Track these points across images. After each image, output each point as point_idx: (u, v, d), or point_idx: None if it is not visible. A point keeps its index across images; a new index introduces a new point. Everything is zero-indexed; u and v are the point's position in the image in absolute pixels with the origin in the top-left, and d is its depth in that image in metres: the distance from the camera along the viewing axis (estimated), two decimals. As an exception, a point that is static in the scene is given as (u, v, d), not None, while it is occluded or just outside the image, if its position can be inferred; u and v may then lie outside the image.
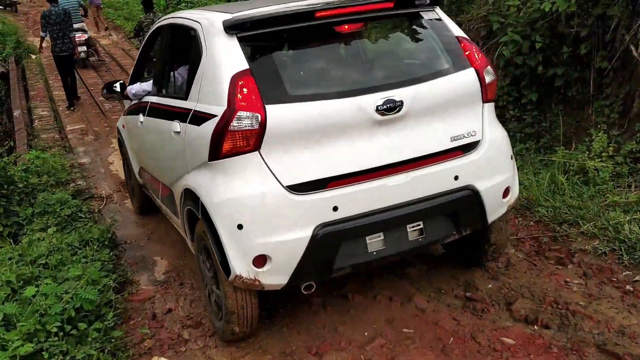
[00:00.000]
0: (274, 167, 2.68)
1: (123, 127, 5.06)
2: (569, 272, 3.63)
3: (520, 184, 4.75)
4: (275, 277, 2.74)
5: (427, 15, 3.20)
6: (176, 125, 3.21)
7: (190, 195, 3.06)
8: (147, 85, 4.17)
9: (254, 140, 2.65)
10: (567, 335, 3.00)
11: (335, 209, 2.71)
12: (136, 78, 4.62)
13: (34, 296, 3.15)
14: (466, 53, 3.08)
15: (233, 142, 2.66)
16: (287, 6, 2.96)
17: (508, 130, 5.80)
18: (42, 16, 9.21)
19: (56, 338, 2.91)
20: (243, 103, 2.63)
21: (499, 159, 3.12)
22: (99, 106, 9.57)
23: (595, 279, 3.52)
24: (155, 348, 3.21)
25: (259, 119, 2.62)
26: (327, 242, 2.71)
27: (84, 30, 11.74)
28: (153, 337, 3.29)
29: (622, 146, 4.80)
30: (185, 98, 3.18)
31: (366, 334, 3.14)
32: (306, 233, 2.68)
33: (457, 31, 3.20)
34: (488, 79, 3.07)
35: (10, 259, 3.87)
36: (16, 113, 9.23)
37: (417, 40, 3.26)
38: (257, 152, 2.67)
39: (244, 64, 2.72)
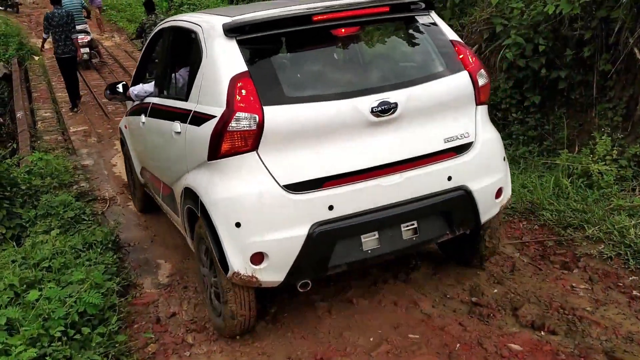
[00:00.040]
0: (271, 167, 2.75)
1: (125, 127, 5.14)
2: (575, 277, 3.61)
3: (524, 187, 4.79)
4: (272, 274, 2.81)
5: (422, 20, 3.27)
6: (177, 126, 3.28)
7: (190, 194, 3.12)
8: (149, 87, 4.24)
9: (252, 140, 2.72)
10: (574, 342, 2.98)
11: (330, 208, 2.78)
12: (138, 79, 4.69)
13: (37, 300, 3.13)
14: (460, 56, 3.16)
15: (231, 143, 2.73)
16: (285, 10, 3.02)
17: (511, 133, 5.88)
18: (45, 18, 9.29)
19: (60, 343, 2.89)
20: (241, 104, 2.70)
21: (491, 160, 3.19)
22: (102, 108, 9.56)
23: (602, 284, 3.50)
24: (159, 353, 3.19)
25: (257, 120, 2.69)
26: (322, 240, 2.78)
27: (86, 32, 11.75)
28: (157, 342, 3.27)
29: (626, 149, 4.78)
30: (185, 99, 3.24)
31: (372, 339, 3.12)
32: (302, 231, 2.75)
33: (451, 35, 3.27)
34: (481, 81, 3.14)
35: (13, 261, 3.86)
36: (19, 114, 9.24)
37: (412, 43, 3.34)
38: (254, 152, 2.74)
39: (242, 66, 2.80)
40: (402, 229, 2.98)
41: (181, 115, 3.24)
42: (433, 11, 3.35)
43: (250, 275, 2.78)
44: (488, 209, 3.19)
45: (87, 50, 11.81)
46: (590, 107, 5.42)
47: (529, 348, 2.95)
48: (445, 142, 3.02)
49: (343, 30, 3.11)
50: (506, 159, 3.35)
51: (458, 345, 3.01)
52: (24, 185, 5.37)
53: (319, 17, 2.92)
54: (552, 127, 5.65)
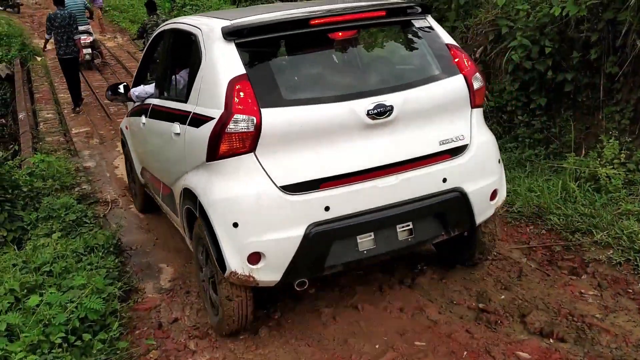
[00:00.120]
0: (269, 168, 2.79)
1: (126, 128, 5.19)
2: (584, 283, 3.56)
3: (530, 191, 4.74)
4: (269, 273, 2.84)
5: (418, 23, 3.31)
6: (176, 127, 3.32)
7: (189, 195, 3.16)
8: (150, 88, 4.28)
9: (250, 142, 2.76)
10: (584, 350, 2.92)
11: (327, 209, 2.82)
12: (139, 81, 4.75)
13: (37, 305, 3.09)
14: (455, 60, 3.20)
15: (230, 144, 2.77)
16: (283, 14, 3.09)
17: (516, 136, 5.83)
18: (48, 19, 9.31)
19: (60, 349, 2.85)
20: (240, 106, 2.75)
21: (486, 162, 3.23)
22: (104, 109, 9.53)
23: (611, 290, 3.44)
24: (161, 359, 3.14)
25: (255, 121, 2.73)
26: (319, 240, 2.82)
27: (89, 33, 11.73)
28: (159, 348, 3.23)
29: (634, 153, 4.73)
30: (185, 101, 3.28)
31: (377, 346, 3.07)
32: (299, 232, 2.78)
33: (447, 39, 3.31)
34: (476, 85, 3.18)
35: (14, 265, 3.83)
36: (21, 115, 9.21)
37: (408, 47, 3.39)
38: (252, 153, 2.79)
39: (241, 69, 2.84)
40: (398, 230, 3.02)
41: (180, 117, 3.27)
42: (429, 15, 3.39)
43: (248, 274, 2.82)
44: (483, 211, 3.22)
45: (89, 51, 11.79)
46: (597, 110, 5.37)
47: (538, 356, 2.90)
48: (440, 145, 3.06)
49: (340, 34, 3.16)
50: (501, 161, 3.37)
51: (465, 353, 2.96)
52: (26, 187, 5.34)
53: (317, 21, 2.97)
54: (559, 130, 5.60)
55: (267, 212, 2.77)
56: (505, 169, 5.26)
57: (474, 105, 3.19)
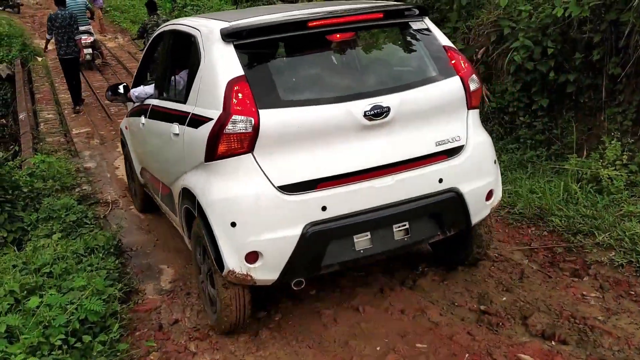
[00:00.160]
0: (266, 168, 2.82)
1: (126, 128, 5.21)
2: (585, 285, 3.54)
3: (532, 192, 4.72)
4: (266, 272, 2.87)
5: (415, 25, 3.33)
6: (175, 128, 3.34)
7: (187, 194, 3.19)
8: (150, 89, 4.30)
9: (248, 142, 2.78)
10: (586, 352, 2.91)
11: (324, 208, 2.84)
12: (139, 81, 4.77)
13: (37, 307, 3.08)
14: (452, 62, 3.22)
15: (228, 144, 2.79)
16: (281, 16, 3.11)
17: (518, 137, 5.82)
18: (49, 19, 9.33)
19: (60, 351, 2.83)
20: (238, 107, 2.77)
21: (482, 163, 3.25)
22: (105, 110, 9.53)
23: (613, 292, 3.43)
24: (162, 361, 3.14)
25: (253, 122, 2.76)
26: (315, 240, 2.84)
27: (89, 33, 11.73)
28: (159, 350, 3.21)
29: (637, 154, 4.71)
30: (184, 102, 3.31)
31: (378, 348, 3.05)
32: (296, 231, 2.81)
33: (444, 41, 3.33)
34: (473, 86, 3.21)
35: (14, 266, 3.81)
36: (22, 116, 9.21)
37: (406, 49, 3.42)
38: (250, 154, 2.81)
39: (239, 70, 2.86)
40: (394, 230, 3.04)
41: (180, 117, 3.30)
42: (427, 17, 3.41)
43: (245, 273, 2.85)
44: (479, 211, 3.25)
45: (90, 51, 11.79)
46: (599, 111, 5.35)
47: (540, 358, 2.88)
48: (436, 145, 3.09)
49: (338, 35, 3.19)
50: (497, 162, 3.40)
51: (467, 355, 2.94)
52: (26, 188, 5.32)
53: (314, 23, 2.99)
54: (561, 131, 5.58)
55: (265, 212, 2.80)
56: (506, 170, 5.31)
57: (470, 107, 3.22)
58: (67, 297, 3.21)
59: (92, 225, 4.79)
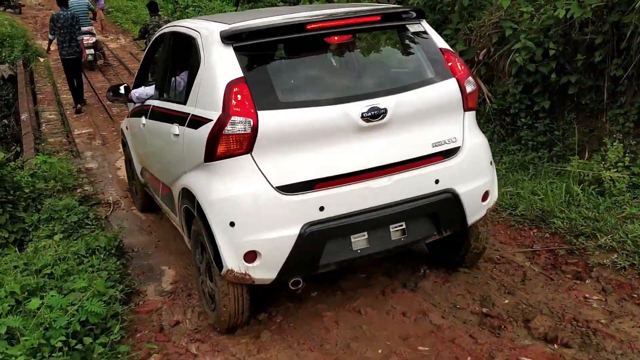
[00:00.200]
0: (265, 169, 2.85)
1: (127, 128, 5.26)
2: (588, 288, 3.53)
3: (534, 194, 4.71)
4: (264, 272, 2.90)
5: (412, 28, 3.37)
6: (175, 128, 3.38)
7: (187, 194, 3.23)
8: (150, 89, 4.35)
9: (247, 143, 2.82)
10: (589, 356, 2.89)
11: (321, 209, 2.87)
12: (140, 82, 4.81)
13: (38, 308, 3.06)
14: (449, 64, 3.26)
15: (227, 145, 2.83)
16: (280, 18, 3.15)
17: (520, 138, 5.81)
18: (51, 19, 9.36)
19: (61, 353, 2.82)
20: (237, 109, 2.81)
21: (478, 164, 3.28)
22: (106, 110, 9.53)
23: (615, 294, 3.42)
24: (162, 363, 3.13)
25: (252, 123, 2.79)
26: (313, 239, 2.87)
27: (92, 34, 11.74)
28: (160, 352, 3.20)
29: (639, 156, 4.70)
30: (184, 103, 3.35)
31: (380, 351, 3.04)
32: (294, 231, 2.84)
33: (441, 43, 3.37)
34: (469, 88, 3.25)
35: (15, 267, 3.81)
36: (23, 116, 9.21)
37: (403, 51, 3.47)
38: (249, 154, 2.84)
39: (238, 72, 2.90)
40: (391, 230, 3.08)
41: (180, 118, 3.33)
42: (424, 20, 3.44)
43: (244, 272, 2.88)
44: (475, 212, 3.28)
45: (92, 51, 11.81)
46: (601, 113, 5.34)
47: (542, 362, 2.87)
48: (433, 147, 3.12)
49: (336, 38, 3.23)
50: (493, 163, 3.43)
51: (469, 358, 2.93)
52: (28, 188, 5.32)
53: (313, 26, 3.03)
54: (562, 132, 5.57)
55: (263, 212, 2.83)
56: (508, 172, 5.30)
57: (466, 109, 3.25)
58: (68, 298, 3.20)
59: (93, 226, 4.79)
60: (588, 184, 4.63)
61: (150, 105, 4.17)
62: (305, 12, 3.32)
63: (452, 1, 6.86)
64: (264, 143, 2.82)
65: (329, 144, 2.91)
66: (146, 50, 4.97)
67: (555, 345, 2.99)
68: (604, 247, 3.87)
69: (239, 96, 2.82)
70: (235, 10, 14.10)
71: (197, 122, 3.05)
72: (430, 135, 3.12)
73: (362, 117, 2.90)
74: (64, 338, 2.88)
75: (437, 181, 3.10)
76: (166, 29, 4.24)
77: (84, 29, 10.19)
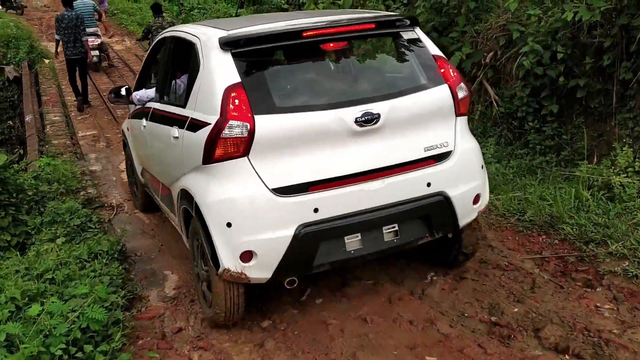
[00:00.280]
0: (261, 172, 2.92)
1: (127, 129, 5.35)
2: (599, 296, 3.46)
3: (542, 199, 4.64)
4: (260, 271, 2.97)
5: (406, 35, 3.45)
6: (175, 131, 3.46)
7: (185, 195, 3.31)
8: (151, 92, 4.41)
9: (244, 146, 2.89)
10: (601, 367, 2.82)
11: (316, 210, 2.94)
12: (141, 84, 4.89)
13: (38, 315, 3.02)
14: (441, 70, 3.34)
15: (224, 148, 2.91)
16: (278, 25, 3.24)
17: (527, 142, 5.74)
18: (56, 19, 9.39)
19: (60, 362, 2.78)
20: (234, 113, 2.88)
21: (469, 168, 3.36)
22: (111, 112, 9.50)
23: (627, 304, 3.34)
24: (164, 371, 3.07)
25: (248, 127, 2.87)
26: (307, 240, 2.94)
27: (97, 35, 11.72)
28: (162, 360, 3.15)
29: (649, 161, 4.62)
30: (184, 106, 3.42)
31: (386, 361, 2.98)
32: (289, 232, 2.91)
33: (434, 50, 3.46)
34: (461, 94, 3.33)
35: (16, 271, 3.77)
36: (28, 118, 9.19)
37: (397, 57, 3.56)
38: (246, 157, 2.92)
39: (236, 78, 2.98)
40: (384, 232, 3.14)
41: (179, 121, 3.41)
42: (417, 27, 3.52)
43: (240, 272, 2.95)
44: (466, 214, 3.35)
45: (97, 53, 11.79)
46: (610, 117, 5.27)
47: (553, 373, 2.80)
48: (425, 151, 3.19)
49: (331, 45, 3.33)
50: (484, 167, 3.51)
51: (478, 368, 2.86)
52: (31, 191, 5.28)
53: (309, 33, 3.11)
54: (570, 136, 5.51)
55: (259, 213, 2.90)
56: (515, 176, 5.23)
57: (458, 114, 3.33)
58: (69, 304, 3.16)
59: (96, 230, 4.75)
60: (597, 189, 4.56)
61: (150, 107, 4.24)
62: (302, 19, 3.41)
63: (459, 4, 6.81)
64: (261, 146, 2.90)
65: (324, 148, 2.98)
66: (147, 53, 5.02)
67: (567, 356, 2.92)
68: (614, 255, 3.80)
69: (236, 101, 2.89)
70: (237, 13, 14.10)
71: (196, 125, 3.13)
72: (422, 140, 3.19)
73: (356, 121, 2.97)
74: (64, 346, 2.84)
75: (429, 184, 3.18)
76: (167, 33, 4.31)
77: (89, 30, 10.21)
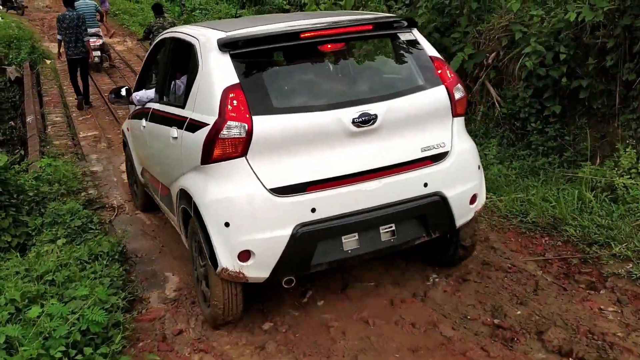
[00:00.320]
0: (259, 172, 2.94)
1: (127, 130, 5.39)
2: (603, 298, 3.43)
3: (545, 201, 4.61)
4: (258, 271, 2.99)
5: (404, 37, 3.47)
6: (174, 132, 3.48)
7: (184, 195, 3.34)
8: (151, 92, 4.45)
9: (242, 147, 2.91)
10: (605, 371, 2.80)
11: (313, 210, 2.96)
12: (141, 85, 4.91)
13: (38, 317, 3.00)
14: (438, 72, 3.36)
15: (222, 149, 2.93)
16: (276, 26, 3.26)
17: (529, 143, 5.71)
18: (57, 19, 9.39)
19: (60, 364, 2.76)
20: (233, 114, 2.91)
21: (466, 169, 3.37)
22: (112, 113, 9.49)
23: (632, 306, 3.31)
24: (165, 374, 3.05)
25: (247, 128, 2.89)
26: (305, 240, 2.96)
27: (98, 35, 11.72)
28: (162, 362, 3.13)
29: (653, 163, 4.59)
30: (183, 107, 3.45)
31: (388, 364, 2.96)
32: (286, 232, 2.93)
33: (431, 51, 3.47)
34: (457, 95, 3.35)
35: (17, 273, 3.75)
36: (29, 119, 9.19)
37: (394, 59, 3.58)
38: (244, 157, 2.94)
39: (234, 79, 2.99)
40: (381, 231, 3.16)
41: (178, 122, 3.43)
42: (415, 29, 3.53)
43: (238, 271, 2.97)
44: (463, 214, 3.37)
45: (98, 53, 11.79)
46: (613, 118, 5.24)
47: (557, 376, 2.78)
48: (422, 151, 3.21)
49: (329, 46, 3.37)
50: (481, 167, 3.52)
51: (480, 372, 2.84)
52: (32, 191, 5.27)
53: (307, 35, 3.13)
54: (573, 137, 5.48)
55: (257, 213, 2.92)
56: (518, 177, 5.21)
57: (455, 115, 3.34)
58: (69, 306, 3.14)
59: (97, 231, 4.73)
60: (600, 190, 4.53)
61: (150, 108, 4.27)
62: (301, 20, 3.43)
63: (461, 4, 6.78)
64: (259, 147, 2.92)
65: (321, 148, 3.00)
66: (147, 54, 5.03)
67: (570, 359, 2.89)
68: (618, 257, 3.77)
69: (234, 102, 2.91)
70: (238, 14, 14.09)
71: (194, 126, 3.15)
72: (419, 140, 3.21)
73: (353, 122, 2.99)
74: (63, 348, 2.82)
75: (425, 184, 3.19)
76: (167, 34, 4.33)
77: (91, 30, 10.21)
